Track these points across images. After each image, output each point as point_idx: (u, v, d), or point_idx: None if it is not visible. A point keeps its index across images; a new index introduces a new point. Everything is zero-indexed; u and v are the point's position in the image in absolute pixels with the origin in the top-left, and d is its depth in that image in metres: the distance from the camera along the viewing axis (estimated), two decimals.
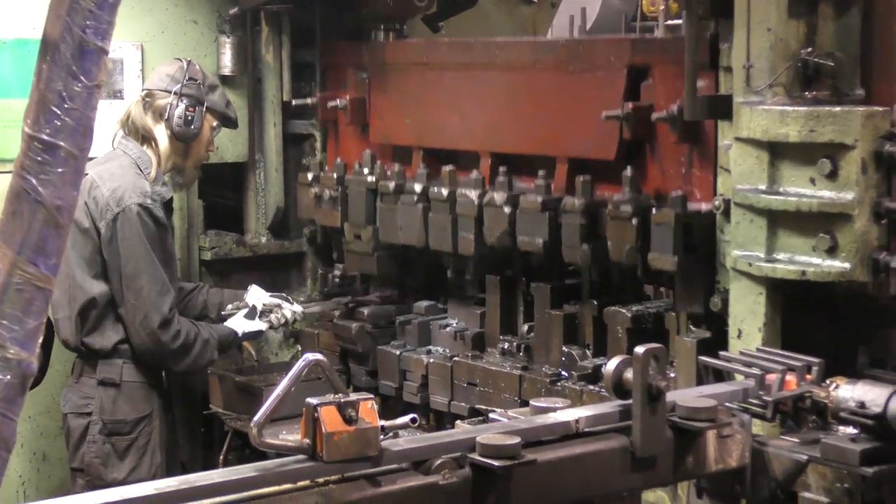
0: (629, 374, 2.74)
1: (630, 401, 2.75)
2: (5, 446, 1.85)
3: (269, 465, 2.38)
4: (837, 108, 3.33)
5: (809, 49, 3.47)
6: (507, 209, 4.44)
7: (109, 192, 4.71)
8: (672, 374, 3.91)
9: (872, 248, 3.31)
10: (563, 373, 4.36)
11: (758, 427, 3.08)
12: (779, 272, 3.43)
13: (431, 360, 4.84)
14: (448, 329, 4.90)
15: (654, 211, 3.96)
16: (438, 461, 2.52)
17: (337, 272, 5.49)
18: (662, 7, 4.47)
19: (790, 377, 2.97)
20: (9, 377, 1.81)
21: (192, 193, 5.52)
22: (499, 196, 4.47)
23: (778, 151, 3.43)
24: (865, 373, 3.39)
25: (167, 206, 4.91)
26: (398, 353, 4.98)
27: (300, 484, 2.39)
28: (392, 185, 4.94)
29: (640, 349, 2.70)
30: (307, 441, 2.39)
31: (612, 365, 2.77)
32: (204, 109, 4.96)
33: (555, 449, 2.68)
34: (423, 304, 5.09)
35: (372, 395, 2.47)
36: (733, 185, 3.57)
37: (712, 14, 3.76)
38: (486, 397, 4.56)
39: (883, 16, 3.50)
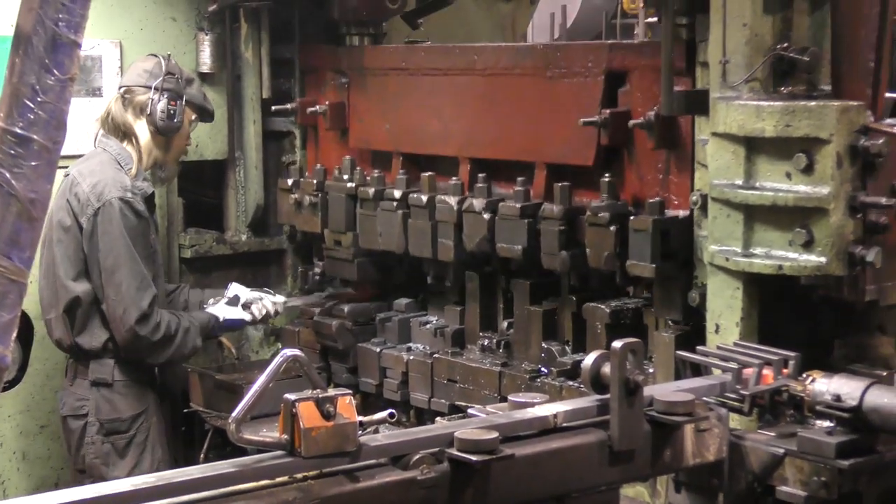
0: (607, 369, 2.75)
1: (608, 395, 2.75)
2: None
3: (247, 461, 2.38)
4: (813, 103, 3.35)
5: (785, 44, 3.49)
6: (486, 215, 4.45)
7: (90, 187, 4.71)
8: (650, 370, 3.93)
9: (848, 242, 3.33)
10: (543, 369, 4.37)
11: (735, 421, 3.09)
12: (755, 267, 3.44)
13: (411, 357, 4.85)
14: (428, 326, 4.91)
15: (631, 217, 3.98)
16: (417, 456, 2.52)
17: (317, 269, 5.49)
18: (642, 5, 4.49)
19: (767, 371, 2.99)
20: None
21: (171, 191, 5.51)
22: (478, 202, 4.49)
23: (754, 146, 3.45)
24: (842, 367, 3.40)
25: (149, 201, 4.89)
26: (378, 350, 4.99)
27: (278, 480, 2.39)
28: (372, 191, 4.94)
29: (617, 343, 2.71)
30: (285, 437, 2.39)
31: (589, 359, 2.78)
32: (183, 103, 4.95)
33: (533, 444, 2.68)
34: (403, 301, 5.10)
35: (350, 391, 2.47)
36: (710, 181, 3.58)
37: (688, 10, 3.77)
38: (466, 394, 4.57)
39: (846, 12, 3.52)
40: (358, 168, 5.13)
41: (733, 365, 3.02)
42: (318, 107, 5.34)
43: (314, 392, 2.40)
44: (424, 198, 4.70)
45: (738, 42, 3.51)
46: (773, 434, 2.98)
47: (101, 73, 5.30)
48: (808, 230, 3.34)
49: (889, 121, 3.51)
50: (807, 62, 3.45)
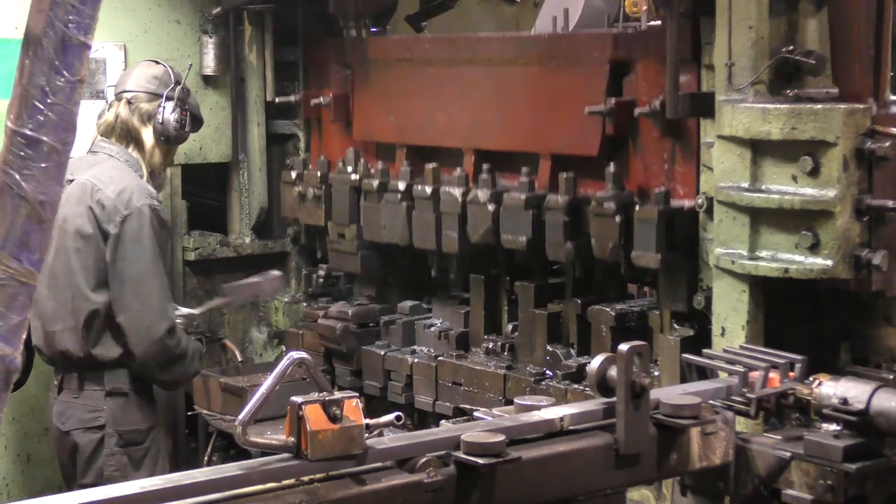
0: (613, 372, 2.74)
1: (614, 398, 2.75)
2: None
3: (253, 463, 2.38)
4: (819, 106, 3.34)
5: (791, 47, 3.49)
6: (490, 207, 4.44)
7: (115, 194, 4.57)
8: (656, 373, 3.92)
9: (854, 244, 3.33)
10: (548, 372, 4.36)
11: (741, 424, 3.09)
12: (761, 270, 3.44)
13: (416, 360, 4.84)
14: (432, 329, 4.91)
15: (637, 208, 3.97)
16: (423, 459, 2.52)
17: (321, 272, 5.49)
18: (645, 7, 4.48)
19: (773, 374, 2.98)
20: None
21: (175, 194, 5.51)
22: (482, 193, 4.48)
23: (760, 149, 3.45)
24: (848, 369, 3.40)
25: None
26: (383, 353, 4.98)
27: (285, 482, 2.38)
28: (376, 182, 4.93)
29: (623, 346, 2.71)
30: (292, 439, 2.39)
31: (595, 363, 2.77)
32: (188, 112, 4.91)
33: (539, 447, 2.68)
34: (408, 303, 5.09)
35: (356, 394, 2.46)
36: (716, 183, 3.58)
37: (694, 12, 3.77)
38: (471, 397, 4.56)
39: (844, 14, 3.52)
40: (362, 160, 5.13)
41: (739, 368, 3.01)
42: (321, 98, 5.33)
43: (321, 395, 2.40)
44: (429, 189, 4.69)
45: (743, 45, 3.51)
46: (779, 437, 2.98)
47: (105, 76, 5.29)
48: (814, 233, 3.34)
49: None
50: (812, 65, 3.45)
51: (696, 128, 3.85)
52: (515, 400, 2.87)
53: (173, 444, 5.33)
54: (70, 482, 4.78)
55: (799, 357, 3.01)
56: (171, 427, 5.27)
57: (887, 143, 3.28)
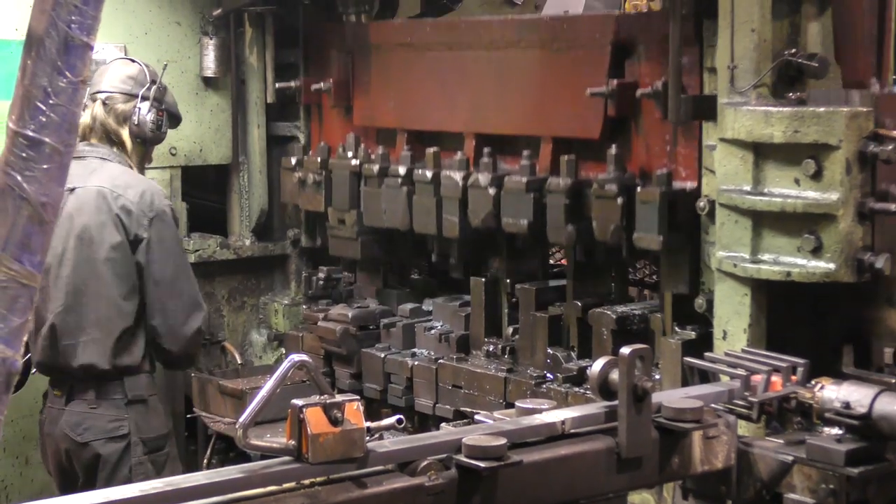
0: (615, 375, 2.73)
1: (616, 402, 2.74)
2: None
3: (254, 466, 2.37)
4: (822, 109, 3.33)
5: (793, 50, 3.48)
6: (491, 190, 4.43)
7: (137, 197, 4.50)
8: (657, 376, 3.91)
9: (857, 248, 3.32)
10: (548, 375, 4.36)
11: (743, 428, 3.08)
12: (764, 273, 3.43)
13: (416, 363, 4.83)
14: (432, 331, 4.90)
15: (639, 189, 3.96)
16: (424, 462, 2.51)
17: (321, 275, 5.48)
18: (645, 9, 4.48)
19: (775, 378, 2.97)
20: None
21: (175, 196, 5.50)
22: (483, 177, 4.47)
23: (762, 152, 3.44)
24: (849, 373, 3.39)
25: None
26: (383, 355, 4.97)
27: (286, 486, 2.37)
28: (376, 167, 4.93)
29: (625, 350, 2.70)
30: (293, 442, 2.38)
31: (597, 366, 2.77)
32: (164, 111, 4.78)
33: (540, 450, 2.67)
34: (408, 306, 5.08)
35: (357, 397, 2.45)
36: (718, 186, 3.57)
37: (696, 15, 3.76)
38: (471, 400, 4.55)
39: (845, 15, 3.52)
40: (362, 145, 5.12)
41: (741, 372, 3.00)
42: (322, 84, 5.31)
43: (322, 398, 2.39)
44: (429, 174, 4.68)
45: (746, 47, 3.50)
46: (781, 441, 2.97)
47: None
48: (816, 236, 3.33)
49: None
50: (815, 68, 3.44)
51: (700, 90, 3.83)
52: (517, 403, 2.86)
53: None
54: (68, 492, 4.69)
55: (801, 361, 3.00)
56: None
57: (890, 147, 3.27)
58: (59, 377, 4.64)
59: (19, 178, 1.71)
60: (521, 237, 4.42)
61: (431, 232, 4.71)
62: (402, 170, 4.81)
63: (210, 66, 5.53)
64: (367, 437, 2.44)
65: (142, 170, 4.81)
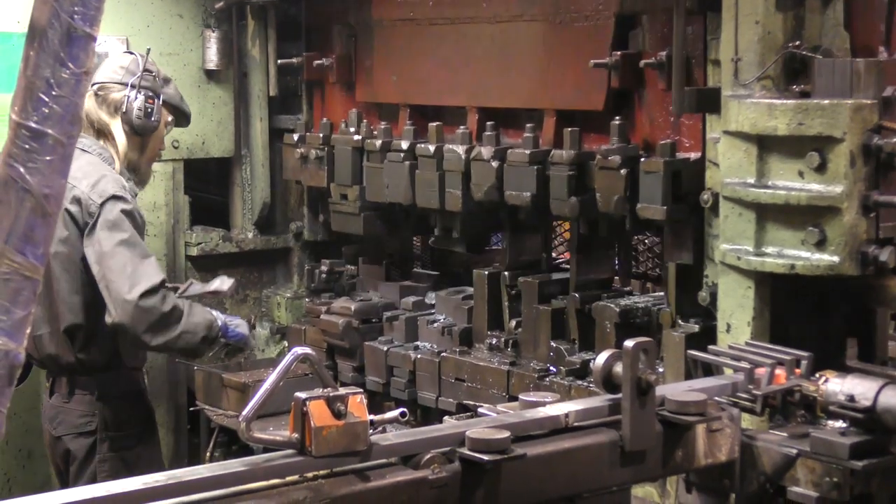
0: (618, 368, 2.73)
1: (619, 395, 2.73)
2: None
3: (257, 459, 2.36)
4: (826, 101, 3.32)
5: (797, 42, 3.47)
6: (494, 164, 4.42)
7: (89, 187, 4.46)
8: (661, 369, 3.91)
9: (861, 241, 3.31)
10: (551, 368, 4.35)
11: (747, 421, 3.07)
12: (767, 266, 3.42)
13: (419, 356, 4.83)
14: (435, 325, 4.89)
15: (643, 160, 3.95)
16: (428, 456, 2.50)
17: (323, 268, 5.47)
18: None
19: (779, 371, 2.97)
20: None
21: (177, 189, 5.50)
22: (486, 151, 4.46)
23: (766, 145, 3.42)
24: (853, 366, 3.38)
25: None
26: (385, 348, 4.97)
27: (289, 479, 2.37)
28: (378, 143, 4.92)
29: (629, 343, 2.69)
30: (296, 436, 2.37)
31: (601, 359, 2.76)
32: (160, 102, 4.73)
33: (544, 443, 2.66)
34: (411, 299, 5.08)
35: (361, 390, 2.45)
36: (722, 179, 3.56)
37: (701, 8, 3.75)
38: (474, 393, 4.55)
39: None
40: (364, 121, 5.11)
41: (745, 365, 3.00)
42: (324, 60, 5.30)
43: (325, 391, 2.38)
44: (432, 148, 4.67)
45: (750, 40, 3.49)
46: (785, 434, 2.96)
47: None
48: (820, 229, 3.32)
49: None
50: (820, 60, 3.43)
51: (703, 79, 3.82)
52: (520, 396, 2.86)
53: (175, 441, 5.32)
54: (63, 486, 4.67)
55: (805, 354, 2.99)
56: (173, 423, 5.26)
57: (895, 139, 3.26)
58: (43, 367, 4.71)
59: (22, 169, 1.70)
60: (525, 210, 4.39)
61: (434, 206, 4.69)
62: (404, 144, 4.81)
63: (212, 58, 5.53)
64: (371, 431, 2.43)
65: (147, 164, 4.80)
